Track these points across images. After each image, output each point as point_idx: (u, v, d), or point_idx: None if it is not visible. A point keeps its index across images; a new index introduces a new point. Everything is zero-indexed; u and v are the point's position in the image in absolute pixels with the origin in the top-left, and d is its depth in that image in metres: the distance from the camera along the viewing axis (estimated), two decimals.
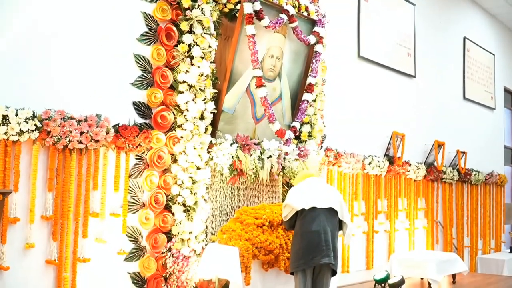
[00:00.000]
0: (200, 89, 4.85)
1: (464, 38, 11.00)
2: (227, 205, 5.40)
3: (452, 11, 10.68)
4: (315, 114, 6.30)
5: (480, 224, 11.06)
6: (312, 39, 5.87)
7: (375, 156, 7.96)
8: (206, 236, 5.12)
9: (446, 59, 10.40)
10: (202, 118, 4.91)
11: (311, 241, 4.59)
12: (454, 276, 8.27)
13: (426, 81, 9.60)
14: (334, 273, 4.78)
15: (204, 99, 4.89)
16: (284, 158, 5.69)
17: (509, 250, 11.39)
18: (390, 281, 7.09)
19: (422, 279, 8.02)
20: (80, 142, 4.09)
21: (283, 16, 5.49)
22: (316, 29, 5.96)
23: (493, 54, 12.18)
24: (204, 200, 4.95)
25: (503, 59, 12.79)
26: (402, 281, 7.07)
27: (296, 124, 5.87)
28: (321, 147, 6.68)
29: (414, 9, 9.21)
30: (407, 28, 9.05)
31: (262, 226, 5.01)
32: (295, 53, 5.88)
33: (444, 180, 9.74)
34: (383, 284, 7.23)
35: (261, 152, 5.42)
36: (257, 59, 5.24)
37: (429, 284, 7.55)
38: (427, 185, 9.34)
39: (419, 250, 8.87)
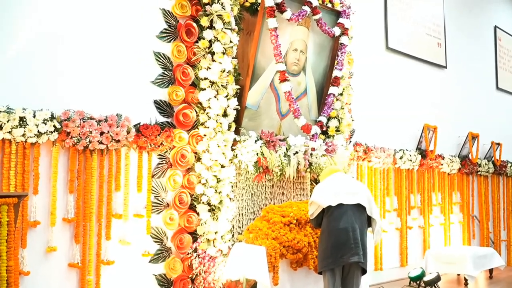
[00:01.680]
0: (222, 85, 4.74)
1: (495, 27, 10.68)
2: (254, 204, 5.29)
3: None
4: (343, 108, 6.14)
5: None
6: (337, 31, 5.72)
7: (407, 150, 7.76)
8: (233, 235, 5.01)
9: (477, 49, 10.10)
10: (225, 115, 4.80)
11: (339, 239, 4.41)
12: (491, 271, 8.04)
13: (458, 72, 9.33)
14: (364, 271, 4.59)
15: (226, 96, 4.78)
16: (311, 154, 5.55)
17: None
18: (426, 278, 6.90)
19: (458, 275, 7.80)
20: (100, 142, 4.02)
21: (306, 8, 5.34)
22: (340, 20, 5.80)
23: None
24: (230, 198, 4.84)
25: None
26: (438, 278, 6.87)
27: (323, 119, 5.73)
28: (350, 141, 6.52)
29: None
30: (436, 18, 8.80)
31: (290, 224, 4.88)
32: (319, 46, 5.73)
33: (479, 173, 9.47)
34: (418, 282, 7.04)
35: (287, 149, 5.29)
36: (280, 53, 5.11)
37: (466, 280, 7.33)
38: (462, 178, 9.08)
39: (455, 245, 8.63)
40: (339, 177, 4.77)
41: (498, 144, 9.99)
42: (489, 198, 9.87)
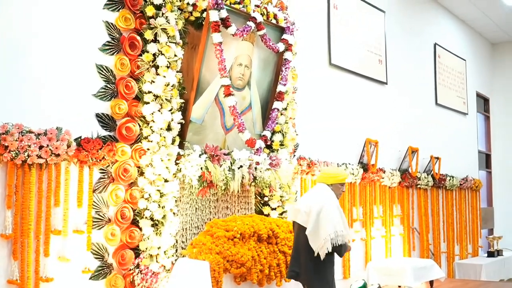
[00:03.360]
0: (166, 99, 4.71)
1: (435, 44, 11.03)
2: (198, 218, 5.27)
3: (422, 17, 10.70)
4: (287, 123, 6.20)
5: (456, 229, 11.05)
6: (281, 46, 5.78)
7: (349, 163, 7.89)
8: (176, 250, 4.97)
9: (417, 66, 10.40)
10: (169, 129, 4.76)
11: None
12: (431, 282, 8.22)
13: (398, 88, 9.57)
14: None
15: (170, 110, 4.75)
16: (256, 168, 5.56)
17: (486, 255, 11.40)
18: None
19: (399, 286, 7.95)
20: (39, 156, 3.92)
21: (251, 23, 5.39)
22: (285, 36, 5.88)
23: (464, 60, 12.24)
24: (173, 213, 4.80)
25: (474, 64, 12.86)
26: None
27: (267, 133, 5.77)
28: (294, 156, 6.58)
29: (384, 16, 9.19)
30: (377, 35, 9.02)
31: (233, 239, 4.87)
32: (264, 61, 5.78)
33: (419, 186, 9.71)
34: None
35: (231, 163, 5.29)
36: (224, 68, 5.12)
37: None
38: (402, 191, 9.29)
39: (396, 257, 8.80)
40: (313, 189, 5.12)
41: (437, 158, 10.28)
42: (429, 211, 10.14)
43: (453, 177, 10.81)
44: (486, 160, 13.66)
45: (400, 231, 9.20)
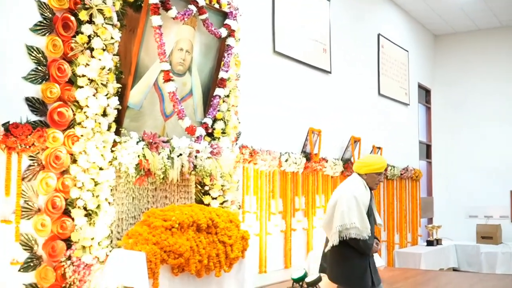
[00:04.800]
0: (102, 83, 4.51)
1: (379, 35, 11.10)
2: (135, 208, 5.09)
3: (366, 7, 10.73)
4: (229, 110, 6.08)
5: (396, 218, 11.20)
6: (223, 32, 5.64)
7: (292, 153, 7.84)
8: (111, 241, 4.79)
9: (361, 56, 10.44)
10: (104, 114, 4.57)
11: None
12: None
13: (342, 77, 9.58)
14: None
15: (106, 94, 4.56)
16: (196, 156, 5.43)
17: (425, 244, 11.62)
18: (308, 279, 6.99)
19: None
20: None
21: (192, 7, 5.23)
22: (227, 21, 5.74)
23: (407, 51, 12.38)
24: (108, 203, 4.61)
25: (417, 55, 13.04)
26: (319, 279, 6.98)
27: (208, 121, 5.63)
28: (236, 144, 6.47)
29: (329, 5, 9.16)
30: (322, 24, 8.98)
31: (171, 229, 4.73)
32: (206, 46, 5.63)
33: None
34: (300, 283, 7.12)
35: (170, 151, 5.14)
36: (164, 52, 4.95)
37: None
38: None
39: None
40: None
41: (379, 148, 10.37)
42: None
43: (394, 166, 10.94)
44: (426, 151, 13.91)
45: None
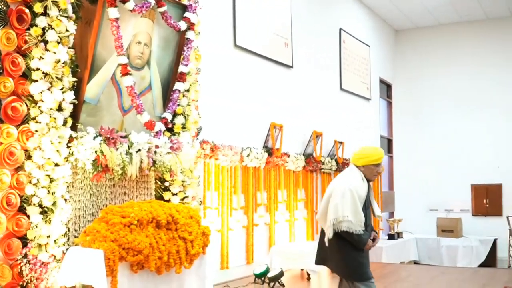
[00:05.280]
0: (57, 77, 4.38)
1: (340, 30, 11.14)
2: (92, 205, 4.98)
3: (328, 2, 10.77)
4: (189, 105, 5.99)
5: None
6: (183, 25, 5.55)
7: (254, 148, 7.82)
8: (68, 239, 4.67)
9: (323, 50, 10.47)
10: (60, 109, 4.44)
11: None
12: None
13: (304, 72, 9.59)
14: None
15: (62, 89, 4.43)
16: (155, 152, 5.34)
17: (387, 237, 11.73)
18: (270, 274, 7.01)
19: (302, 270, 7.99)
20: None
21: None
22: (187, 14, 5.64)
23: (369, 46, 12.47)
24: (65, 200, 4.50)
25: (378, 50, 13.15)
26: (281, 274, 7.01)
27: (167, 115, 5.54)
28: (197, 139, 6.38)
29: None
30: (284, 18, 8.96)
31: (130, 225, 4.64)
32: (165, 39, 5.54)
33: (322, 170, 9.81)
34: (263, 278, 7.13)
35: (128, 146, 5.04)
36: (121, 45, 4.85)
37: (308, 275, 7.53)
38: (306, 175, 9.35)
39: (299, 241, 8.85)
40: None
41: (341, 142, 10.42)
42: None
43: None
44: (388, 145, 14.06)
45: (304, 215, 9.26)
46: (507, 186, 12.94)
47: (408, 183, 13.83)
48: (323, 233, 4.74)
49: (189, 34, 5.68)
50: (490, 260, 11.99)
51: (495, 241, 12.26)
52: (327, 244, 4.67)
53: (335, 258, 4.65)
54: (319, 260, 4.86)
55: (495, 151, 12.95)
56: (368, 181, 4.78)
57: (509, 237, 10.49)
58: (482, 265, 11.62)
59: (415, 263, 12.07)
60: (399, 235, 11.79)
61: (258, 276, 7.14)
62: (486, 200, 13.14)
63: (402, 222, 12.21)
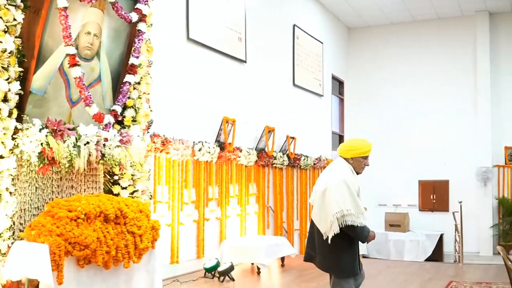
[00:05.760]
0: (2, 67, 4.27)
1: (294, 26, 11.19)
2: (38, 198, 4.86)
3: None
4: (140, 98, 5.91)
5: (309, 207, 11.37)
6: (134, 16, 5.46)
7: (206, 142, 7.78)
8: (13, 233, 4.55)
9: (276, 46, 10.50)
10: (5, 100, 4.33)
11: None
12: (283, 259, 8.39)
13: (257, 67, 9.60)
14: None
15: (7, 79, 4.32)
16: (104, 145, 5.24)
17: None
18: (220, 269, 7.01)
19: (252, 264, 8.02)
20: None
21: None
22: (138, 6, 5.55)
23: (322, 43, 12.57)
24: (10, 193, 4.39)
25: (331, 47, 13.27)
26: (231, 268, 7.01)
27: (117, 108, 5.45)
28: (147, 132, 6.30)
29: None
30: (238, 13, 8.94)
31: (77, 219, 4.55)
32: (115, 31, 5.44)
33: (274, 165, 9.85)
34: (213, 272, 7.12)
35: (76, 138, 4.93)
36: (70, 35, 4.73)
37: (259, 269, 7.56)
38: (258, 170, 9.37)
39: (250, 235, 8.87)
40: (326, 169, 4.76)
41: (293, 138, 10.49)
42: (284, 190, 10.33)
43: (307, 156, 11.10)
44: (339, 141, 14.20)
45: (256, 210, 9.29)
46: (453, 182, 13.28)
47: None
48: (312, 229, 4.60)
49: (141, 26, 5.61)
50: (437, 255, 12.28)
51: (441, 236, 12.56)
52: (316, 241, 4.53)
53: (327, 256, 4.48)
54: (308, 257, 4.69)
55: (443, 148, 13.27)
56: (357, 173, 4.72)
57: (455, 232, 10.75)
58: (428, 259, 11.89)
59: (364, 256, 12.25)
60: None
61: (208, 270, 7.13)
62: (433, 196, 13.46)
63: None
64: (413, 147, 13.45)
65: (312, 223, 4.63)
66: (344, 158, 4.67)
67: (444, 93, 13.45)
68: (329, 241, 4.33)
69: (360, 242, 4.59)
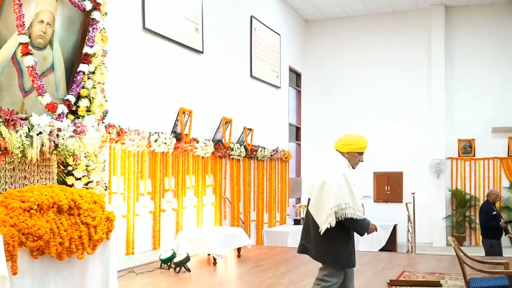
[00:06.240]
0: None
1: (251, 17, 11.21)
2: None
3: None
4: (95, 88, 5.85)
5: (266, 198, 11.46)
6: (88, 5, 5.40)
7: (162, 133, 7.76)
8: None
9: (234, 37, 10.50)
10: None
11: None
12: (239, 250, 8.44)
13: (214, 58, 9.59)
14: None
15: None
16: (58, 135, 5.18)
17: (293, 223, 11.98)
18: (176, 260, 7.01)
19: (209, 255, 8.04)
20: None
21: None
22: None
23: (279, 34, 12.62)
24: None
25: (289, 39, 13.34)
26: (187, 259, 7.03)
27: (71, 98, 5.39)
28: (102, 123, 6.24)
29: None
30: (195, 3, 8.91)
31: (30, 210, 4.49)
32: (69, 19, 5.37)
33: (231, 156, 9.87)
34: (169, 263, 7.12)
35: (29, 128, 4.86)
36: (23, 24, 4.66)
37: (215, 259, 7.59)
38: (215, 161, 9.38)
39: (207, 226, 8.89)
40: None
41: (250, 129, 10.52)
42: (241, 181, 10.37)
43: (264, 148, 11.16)
44: (296, 133, 14.34)
45: (212, 201, 9.30)
46: (407, 174, 13.56)
47: (315, 170, 14.15)
48: (308, 222, 4.61)
49: (95, 15, 5.55)
50: (390, 245, 12.51)
51: (395, 227, 12.81)
52: (312, 233, 4.53)
53: (323, 247, 4.49)
54: (303, 249, 4.68)
55: (397, 140, 13.52)
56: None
57: (408, 223, 10.98)
58: (382, 249, 12.11)
59: None
60: None
61: (164, 261, 7.12)
62: (387, 187, 13.73)
63: None
64: (368, 139, 13.58)
65: (307, 215, 4.65)
66: (340, 152, 4.71)
67: (399, 86, 13.70)
68: (321, 233, 4.36)
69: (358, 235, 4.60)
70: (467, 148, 13.35)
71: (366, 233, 4.52)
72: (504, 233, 9.62)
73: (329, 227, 4.33)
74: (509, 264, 4.76)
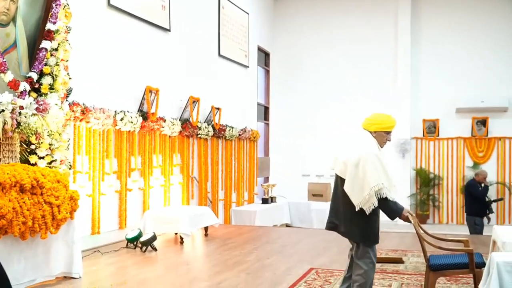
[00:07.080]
0: None
1: None
2: None
3: None
4: (58, 65, 5.76)
5: (234, 177, 11.47)
6: None
7: (128, 111, 7.68)
8: None
9: (202, 15, 10.40)
10: None
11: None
12: (206, 229, 8.45)
13: (182, 36, 9.49)
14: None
15: None
16: (20, 113, 5.09)
17: (261, 202, 12.04)
18: (142, 239, 7.00)
19: (176, 234, 8.04)
20: None
21: None
22: None
23: (248, 13, 12.54)
24: None
25: (257, 18, 13.27)
26: (153, 238, 7.02)
27: (33, 75, 5.30)
28: (66, 101, 6.17)
29: None
30: None
31: None
32: None
33: (199, 135, 9.83)
34: (135, 243, 7.11)
35: None
36: None
37: (181, 238, 7.60)
38: (183, 141, 9.33)
39: (174, 206, 8.87)
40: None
41: (218, 108, 10.48)
42: (208, 160, 10.35)
43: (232, 127, 11.14)
44: (264, 112, 14.33)
45: (180, 180, 9.27)
46: None
47: (283, 150, 14.23)
48: (337, 200, 4.57)
49: None
50: None
51: None
52: (342, 211, 4.50)
53: (354, 224, 4.45)
54: (332, 226, 4.65)
55: (363, 119, 13.58)
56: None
57: None
58: None
59: (287, 226, 12.50)
60: (272, 199, 12.13)
61: (130, 240, 7.10)
62: None
63: (276, 187, 12.57)
64: (335, 117, 13.73)
65: (335, 193, 4.61)
66: (368, 132, 4.66)
67: (366, 65, 13.76)
68: (367, 213, 4.32)
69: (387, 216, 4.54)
70: (431, 128, 13.53)
71: (398, 218, 4.48)
72: (488, 211, 9.66)
73: (373, 207, 4.31)
74: (469, 242, 4.86)
